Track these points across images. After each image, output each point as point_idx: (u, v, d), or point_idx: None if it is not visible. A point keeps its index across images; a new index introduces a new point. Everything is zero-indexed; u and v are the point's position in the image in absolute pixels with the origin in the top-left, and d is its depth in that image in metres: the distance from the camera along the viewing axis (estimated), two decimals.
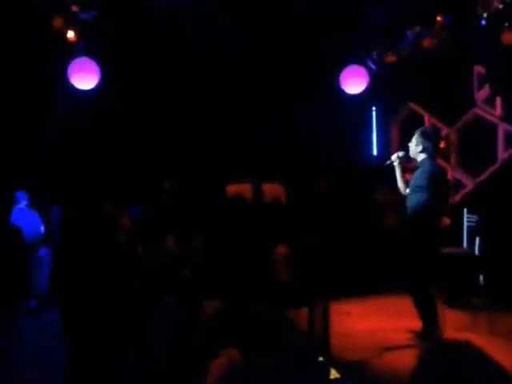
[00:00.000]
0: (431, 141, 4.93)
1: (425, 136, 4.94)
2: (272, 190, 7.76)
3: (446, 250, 5.21)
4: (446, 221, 4.88)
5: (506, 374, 1.33)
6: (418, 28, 6.25)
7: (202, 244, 6.57)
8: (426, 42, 6.26)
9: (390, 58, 6.68)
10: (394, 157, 5.02)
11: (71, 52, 6.88)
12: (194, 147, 7.71)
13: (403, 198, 5.03)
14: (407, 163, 5.07)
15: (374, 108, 8.14)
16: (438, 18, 6.15)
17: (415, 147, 4.93)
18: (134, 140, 7.70)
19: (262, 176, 7.30)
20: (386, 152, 8.13)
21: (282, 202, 7.87)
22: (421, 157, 4.92)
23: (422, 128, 5.15)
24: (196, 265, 4.91)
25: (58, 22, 6.63)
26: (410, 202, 4.88)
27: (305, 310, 5.71)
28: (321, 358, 4.19)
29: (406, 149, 5.01)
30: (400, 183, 5.04)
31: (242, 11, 6.93)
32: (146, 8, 6.94)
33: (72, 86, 7.08)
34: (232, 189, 7.72)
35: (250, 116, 7.62)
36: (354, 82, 7.16)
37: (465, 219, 5.34)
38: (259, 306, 4.74)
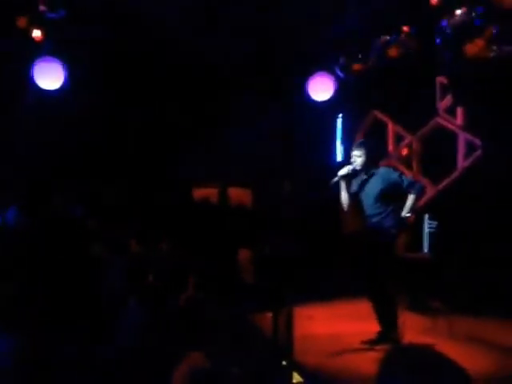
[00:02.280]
0: (375, 150, 5.14)
1: (370, 147, 5.10)
2: (238, 194, 7.83)
3: (407, 254, 5.32)
4: (411, 219, 5.00)
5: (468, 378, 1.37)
6: (385, 37, 6.38)
7: (167, 249, 6.57)
8: (392, 52, 6.39)
9: (357, 66, 6.80)
10: (342, 172, 5.06)
11: (37, 52, 6.78)
12: (160, 150, 7.68)
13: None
14: (352, 178, 5.18)
15: (339, 115, 8.26)
16: (405, 28, 6.29)
17: (365, 159, 5.05)
18: (98, 141, 7.63)
19: (228, 181, 7.35)
20: (350, 159, 8.27)
21: (248, 207, 7.94)
22: (371, 167, 5.07)
23: (363, 141, 5.30)
24: (161, 269, 4.90)
25: (22, 22, 6.54)
26: (375, 210, 4.98)
27: (268, 314, 5.80)
28: (284, 362, 4.24)
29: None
30: (344, 197, 5.11)
31: (210, 17, 6.96)
32: (115, 8, 6.90)
33: (37, 85, 6.98)
34: (198, 193, 7.76)
35: (218, 121, 7.64)
36: (321, 89, 7.26)
37: (426, 225, 5.47)
38: (223, 309, 4.75)
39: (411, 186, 4.89)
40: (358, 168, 5.03)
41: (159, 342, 3.16)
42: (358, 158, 5.02)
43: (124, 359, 3.03)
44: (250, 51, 6.99)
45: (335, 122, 8.29)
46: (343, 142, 8.20)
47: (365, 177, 5.05)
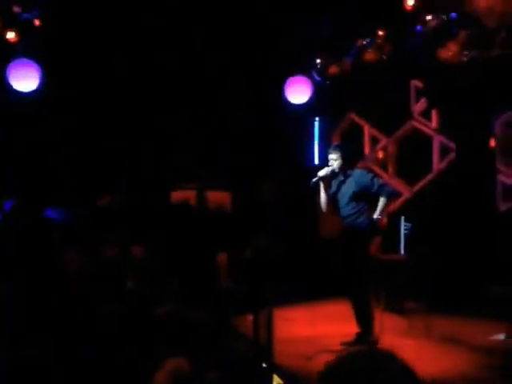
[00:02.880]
0: (350, 153, 5.24)
1: (344, 150, 5.18)
2: (217, 197, 7.80)
3: (384, 256, 5.39)
4: (384, 221, 5.10)
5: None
6: (361, 41, 6.46)
7: (142, 253, 6.51)
8: (368, 55, 6.48)
9: (334, 70, 6.87)
10: (321, 173, 5.13)
11: (12, 53, 6.69)
12: (137, 153, 7.64)
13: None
14: (331, 179, 5.26)
15: (316, 118, 8.32)
16: (380, 33, 6.38)
17: (341, 162, 5.12)
18: (74, 144, 7.56)
19: (206, 183, 7.33)
20: (327, 162, 8.34)
21: (227, 210, 7.92)
22: (348, 169, 5.15)
23: (339, 144, 5.38)
24: (139, 275, 4.86)
25: None
26: (349, 211, 5.06)
27: (247, 317, 5.81)
28: (264, 365, 4.25)
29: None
30: (323, 199, 5.19)
31: (187, 20, 6.95)
32: (89, 9, 6.85)
33: (12, 87, 6.88)
34: (177, 196, 7.70)
35: (196, 123, 7.63)
36: (298, 92, 7.31)
37: (402, 227, 5.56)
38: (203, 313, 4.75)
39: (381, 189, 5.00)
40: (336, 171, 5.11)
41: (139, 348, 3.14)
42: (334, 161, 5.11)
43: (103, 364, 3.00)
44: (228, 55, 7.00)
45: (312, 124, 8.34)
46: (320, 144, 8.26)
47: (341, 178, 5.15)
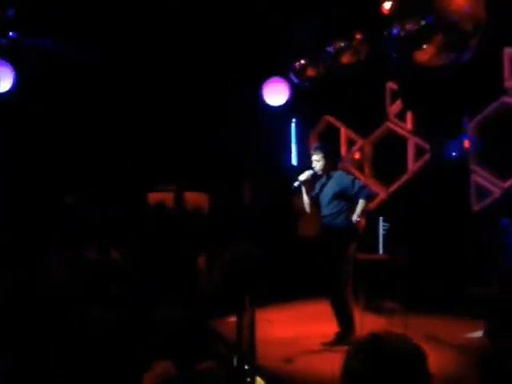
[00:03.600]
0: (332, 153, 5.33)
1: (326, 151, 5.23)
2: (194, 198, 7.76)
3: (363, 256, 5.46)
4: (362, 222, 5.16)
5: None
6: (338, 44, 6.51)
7: (120, 257, 6.45)
8: (345, 58, 6.54)
9: (311, 72, 6.92)
10: (303, 177, 5.18)
11: None
12: (114, 155, 7.55)
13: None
14: (313, 182, 5.32)
15: (293, 120, 8.37)
16: (357, 36, 6.45)
17: (324, 163, 5.17)
18: (48, 146, 7.44)
19: (184, 185, 7.29)
20: (304, 162, 8.39)
21: (205, 211, 7.89)
22: (330, 170, 5.19)
23: (321, 145, 5.43)
24: (121, 278, 4.82)
25: None
26: (329, 211, 5.10)
27: (227, 319, 5.80)
28: (246, 367, 4.25)
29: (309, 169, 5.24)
30: (306, 201, 5.25)
31: (164, 22, 6.90)
32: (63, 8, 6.74)
33: None
34: (154, 197, 7.65)
35: (173, 125, 7.59)
36: (275, 94, 7.33)
37: (380, 227, 5.63)
38: (183, 315, 4.72)
39: (360, 191, 5.06)
40: (319, 173, 5.16)
41: (125, 353, 3.12)
42: (317, 162, 5.16)
43: (90, 370, 2.97)
44: (206, 55, 6.98)
45: (290, 126, 8.38)
46: (297, 145, 8.31)
47: (324, 179, 5.19)
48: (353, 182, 5.13)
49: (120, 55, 7.07)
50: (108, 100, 7.40)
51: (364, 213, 5.10)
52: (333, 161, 5.26)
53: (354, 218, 5.02)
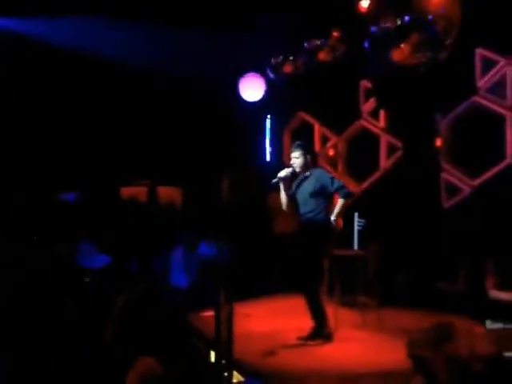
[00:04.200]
0: (312, 151, 5.37)
1: (306, 148, 5.26)
2: (167, 193, 7.72)
3: (338, 251, 5.51)
4: (340, 222, 5.19)
5: None
6: (315, 41, 6.54)
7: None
8: (322, 56, 6.58)
9: (288, 68, 6.93)
10: (282, 174, 5.18)
11: None
12: (89, 149, 7.44)
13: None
14: (291, 179, 5.32)
15: (268, 116, 8.38)
16: (334, 33, 6.49)
17: (303, 160, 5.19)
18: (21, 142, 7.27)
19: (160, 180, 7.24)
20: (278, 159, 8.42)
21: (178, 205, 7.85)
22: (309, 167, 5.22)
23: (301, 143, 5.44)
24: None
25: None
26: (308, 208, 5.12)
27: (203, 314, 5.78)
28: (223, 361, 4.25)
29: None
30: (284, 199, 5.24)
31: (134, 18, 6.81)
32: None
33: None
34: (127, 191, 7.57)
35: (148, 121, 7.51)
36: (252, 90, 7.32)
37: (355, 223, 5.69)
38: (162, 311, 4.68)
39: (339, 190, 5.09)
40: (297, 170, 5.17)
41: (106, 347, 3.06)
42: (296, 159, 5.16)
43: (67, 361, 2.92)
44: (183, 50, 6.92)
45: (265, 122, 8.39)
46: (271, 142, 8.33)
47: (303, 176, 5.21)
48: (332, 180, 5.15)
49: (95, 45, 6.95)
50: (81, 93, 7.28)
51: (342, 213, 5.12)
52: (312, 158, 5.26)
53: (333, 217, 5.04)
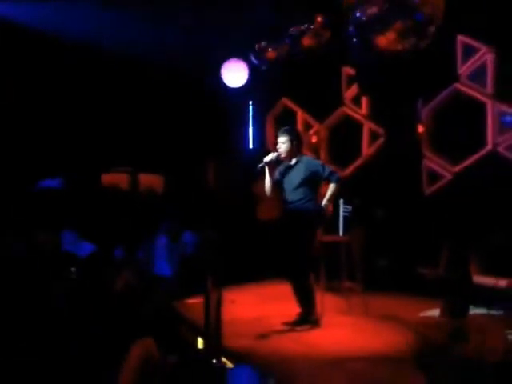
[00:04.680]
0: (298, 137, 5.30)
1: (293, 134, 5.24)
2: (149, 180, 7.64)
3: (324, 237, 5.53)
4: (330, 207, 5.21)
5: None
6: (299, 26, 6.50)
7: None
8: (306, 41, 6.55)
9: (271, 54, 6.88)
10: (268, 158, 5.15)
11: None
12: (70, 136, 7.31)
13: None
14: (276, 164, 5.31)
15: (250, 102, 8.33)
16: (319, 19, 6.46)
17: (289, 146, 5.17)
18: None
19: (139, 167, 7.15)
20: (260, 145, 8.40)
21: (158, 193, 7.78)
22: (295, 154, 5.20)
23: (288, 128, 5.41)
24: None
25: None
26: (296, 196, 5.10)
27: (189, 301, 5.76)
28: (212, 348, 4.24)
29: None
30: (268, 183, 5.22)
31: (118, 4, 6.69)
32: None
33: None
34: (107, 178, 7.46)
35: (130, 108, 7.41)
36: (235, 75, 7.26)
37: (341, 209, 5.71)
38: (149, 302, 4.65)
39: (331, 176, 5.09)
40: (283, 155, 5.14)
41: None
42: (282, 144, 5.14)
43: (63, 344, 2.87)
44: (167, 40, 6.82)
45: (247, 108, 8.34)
46: (254, 128, 8.29)
47: (289, 163, 5.18)
48: (322, 166, 5.15)
49: (77, 30, 6.81)
50: (62, 80, 7.14)
51: (333, 197, 5.14)
52: (298, 145, 5.23)
53: (324, 202, 5.05)
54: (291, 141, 5.14)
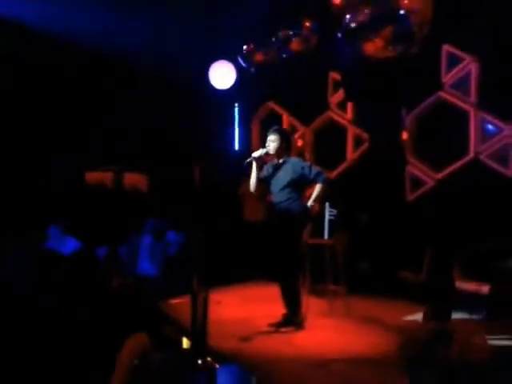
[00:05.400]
0: (288, 138, 5.39)
1: (284, 134, 5.30)
2: (134, 179, 7.59)
3: (310, 240, 5.57)
4: (316, 207, 5.26)
5: None
6: (287, 31, 6.55)
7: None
8: (294, 45, 6.60)
9: (259, 57, 6.91)
10: (256, 154, 5.20)
11: None
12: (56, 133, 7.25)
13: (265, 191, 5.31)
14: (263, 162, 5.37)
15: (236, 104, 8.35)
16: (307, 23, 6.52)
17: (278, 145, 5.21)
18: None
19: (124, 165, 7.11)
20: (246, 148, 8.42)
21: (143, 192, 7.74)
22: (283, 154, 5.24)
23: (279, 128, 5.47)
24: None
25: None
26: (282, 197, 5.14)
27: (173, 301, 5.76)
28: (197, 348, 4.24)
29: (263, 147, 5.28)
30: (253, 180, 5.25)
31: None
32: None
33: None
34: (92, 177, 7.40)
35: (114, 107, 7.37)
36: (222, 77, 7.28)
37: (326, 212, 5.76)
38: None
39: (318, 177, 5.15)
40: (271, 152, 5.18)
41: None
42: (272, 142, 5.18)
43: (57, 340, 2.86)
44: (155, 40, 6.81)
45: (234, 110, 8.36)
46: (240, 130, 8.31)
47: (276, 163, 5.23)
48: (310, 168, 5.21)
49: (63, 28, 6.76)
50: (47, 76, 7.07)
51: (320, 198, 5.19)
52: (287, 146, 5.29)
53: (310, 202, 5.10)
54: (281, 140, 5.19)
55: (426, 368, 3.72)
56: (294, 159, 5.33)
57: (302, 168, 5.17)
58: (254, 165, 5.18)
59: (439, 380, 3.64)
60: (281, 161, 5.23)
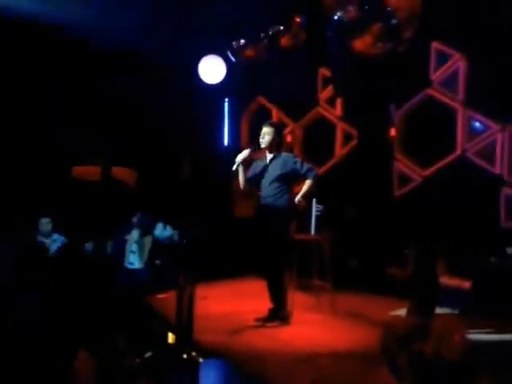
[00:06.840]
0: (281, 133, 5.38)
1: (278, 129, 5.31)
2: (121, 173, 7.56)
3: (297, 236, 5.58)
4: (303, 203, 5.26)
5: None
6: (277, 27, 6.55)
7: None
8: (284, 41, 6.61)
9: (249, 52, 6.91)
10: (240, 158, 5.17)
11: None
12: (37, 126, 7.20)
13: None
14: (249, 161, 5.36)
15: (226, 99, 8.34)
16: (297, 20, 6.52)
17: (271, 140, 5.22)
18: None
19: (113, 159, 7.08)
20: (236, 143, 8.42)
21: (131, 186, 7.71)
22: (275, 149, 5.25)
23: (274, 122, 5.47)
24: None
25: None
26: (271, 191, 5.15)
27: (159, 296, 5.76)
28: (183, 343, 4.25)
29: (256, 143, 5.29)
30: (242, 180, 5.27)
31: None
32: None
33: None
34: (78, 171, 7.36)
35: (103, 101, 7.34)
36: (211, 72, 7.26)
37: (313, 208, 5.77)
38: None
39: (309, 172, 5.16)
40: (263, 145, 5.18)
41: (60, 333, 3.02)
42: (266, 135, 5.18)
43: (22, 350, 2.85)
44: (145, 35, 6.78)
45: (223, 105, 8.36)
46: (230, 125, 8.31)
47: (267, 159, 5.22)
48: (301, 163, 5.21)
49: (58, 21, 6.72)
50: (35, 68, 7.02)
51: (309, 193, 5.20)
52: (280, 141, 5.28)
53: (298, 197, 5.11)
54: (274, 134, 5.19)
55: (402, 362, 3.75)
56: (285, 154, 5.31)
57: (295, 163, 5.17)
58: (241, 168, 5.19)
59: (416, 374, 3.67)
60: (271, 156, 5.23)
